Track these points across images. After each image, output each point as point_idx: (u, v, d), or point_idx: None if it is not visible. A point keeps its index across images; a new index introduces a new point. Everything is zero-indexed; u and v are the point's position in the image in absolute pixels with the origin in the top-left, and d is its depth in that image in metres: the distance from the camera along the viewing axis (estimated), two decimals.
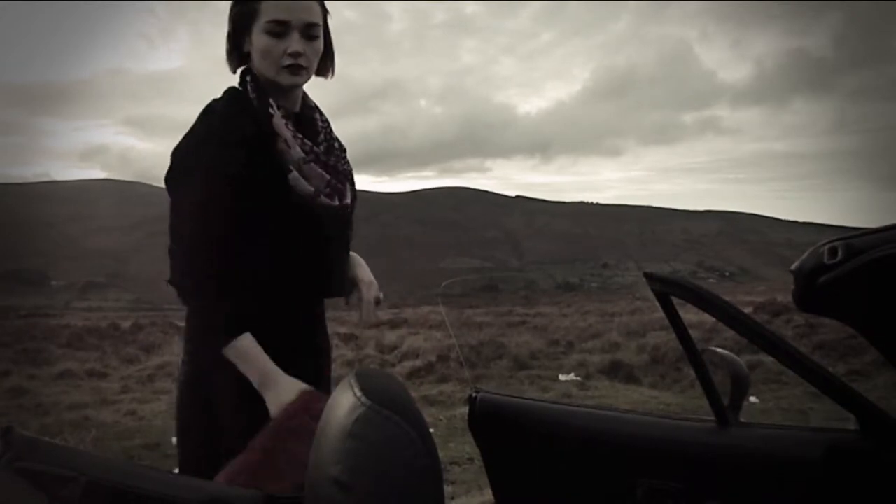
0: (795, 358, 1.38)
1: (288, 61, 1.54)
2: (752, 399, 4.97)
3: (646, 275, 1.52)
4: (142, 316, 19.07)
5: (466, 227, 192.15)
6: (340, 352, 9.28)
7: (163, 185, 1.55)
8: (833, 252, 1.11)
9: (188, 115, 1.64)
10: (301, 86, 1.63)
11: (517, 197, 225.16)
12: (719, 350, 1.64)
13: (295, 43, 1.53)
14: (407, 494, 0.55)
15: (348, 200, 1.64)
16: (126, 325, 14.24)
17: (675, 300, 1.49)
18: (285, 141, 1.53)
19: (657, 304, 1.52)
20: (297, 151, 1.53)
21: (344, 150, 1.71)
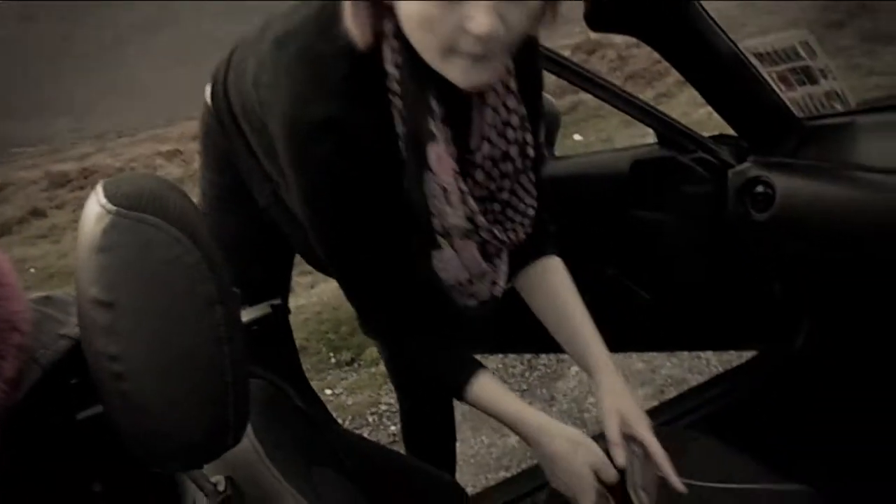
0: (609, 90, 1.44)
1: (469, 46, 0.74)
2: (577, 136, 5.30)
3: None
4: None
5: None
6: (166, 170, 8.68)
7: None
8: None
9: None
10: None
11: None
12: None
13: (482, 10, 0.70)
14: (176, 297, 0.51)
15: (501, 285, 1.00)
16: None
17: None
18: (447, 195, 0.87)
19: None
20: (458, 212, 0.88)
21: (526, 149, 0.92)
